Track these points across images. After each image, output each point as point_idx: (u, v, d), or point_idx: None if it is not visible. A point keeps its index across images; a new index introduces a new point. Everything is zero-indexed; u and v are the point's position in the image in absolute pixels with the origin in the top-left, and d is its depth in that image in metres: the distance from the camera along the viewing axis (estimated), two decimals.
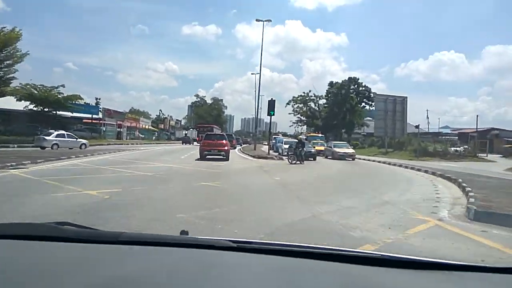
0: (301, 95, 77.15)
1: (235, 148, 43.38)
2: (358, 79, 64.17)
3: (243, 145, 56.46)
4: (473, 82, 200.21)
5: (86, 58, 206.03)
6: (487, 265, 1.21)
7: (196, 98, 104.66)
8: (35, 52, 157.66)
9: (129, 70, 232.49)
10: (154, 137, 74.74)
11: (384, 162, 27.54)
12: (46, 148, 26.27)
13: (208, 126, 60.24)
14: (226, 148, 22.24)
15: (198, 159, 21.43)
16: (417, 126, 37.40)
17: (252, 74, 75.65)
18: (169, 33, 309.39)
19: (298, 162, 22.10)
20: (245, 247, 1.27)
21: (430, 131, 71.59)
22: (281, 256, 1.22)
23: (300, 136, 26.12)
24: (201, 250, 1.24)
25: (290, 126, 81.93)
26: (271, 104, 29.92)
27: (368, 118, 65.21)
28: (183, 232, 1.56)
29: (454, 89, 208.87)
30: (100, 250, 1.25)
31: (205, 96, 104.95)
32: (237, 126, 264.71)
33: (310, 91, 78.73)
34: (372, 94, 62.32)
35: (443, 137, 55.07)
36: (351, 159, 29.78)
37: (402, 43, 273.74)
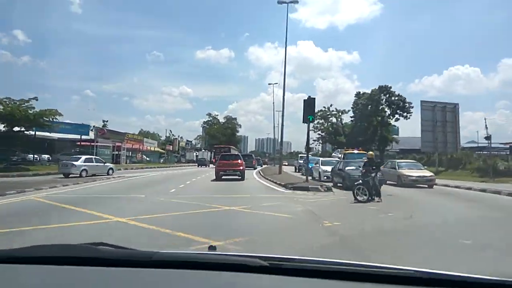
0: (321, 110, 69.47)
1: (255, 168, 39.58)
2: (390, 87, 55.91)
3: (262, 166, 51.74)
4: (490, 96, 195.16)
5: (104, 85, 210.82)
6: None
7: (209, 117, 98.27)
8: (54, 81, 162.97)
9: (145, 95, 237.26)
10: (162, 160, 67.97)
11: (477, 189, 18.12)
12: (71, 175, 22.43)
13: (225, 147, 54.79)
14: (241, 168, 22.10)
15: (213, 180, 21.35)
16: (487, 137, 28.85)
17: (270, 84, 68.48)
18: (183, 58, 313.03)
19: (372, 199, 12.41)
20: (278, 266, 1.24)
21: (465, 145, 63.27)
22: (316, 278, 1.16)
23: (371, 152, 16.44)
24: (233, 274, 1.21)
25: (311, 144, 74.33)
26: (310, 105, 19.25)
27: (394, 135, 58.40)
28: (212, 248, 1.62)
29: (470, 103, 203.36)
30: (132, 275, 1.24)
31: (218, 115, 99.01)
32: (251, 146, 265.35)
33: (331, 105, 71.10)
34: (407, 104, 54.07)
35: (493, 152, 46.77)
36: (426, 186, 19.60)
37: (415, 59, 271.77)
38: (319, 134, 72.28)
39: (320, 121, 70.84)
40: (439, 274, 1.19)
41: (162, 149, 74.23)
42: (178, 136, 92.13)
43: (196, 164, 58.71)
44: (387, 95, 55.63)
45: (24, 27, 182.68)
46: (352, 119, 64.38)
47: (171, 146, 79.23)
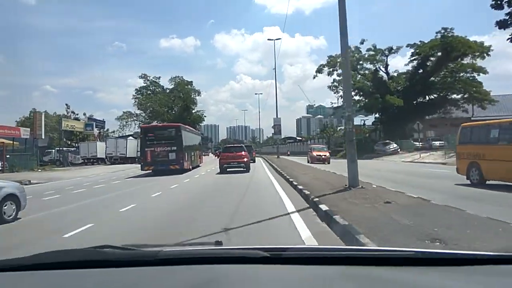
0: (352, 51, 40.09)
1: (254, 161, 28.54)
2: None
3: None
4: None
5: (65, 79, 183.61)
6: None
7: (144, 81, 61.86)
8: (12, 77, 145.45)
9: (109, 88, 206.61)
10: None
11: None
12: None
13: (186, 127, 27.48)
14: (245, 159, 21.54)
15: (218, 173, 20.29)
16: None
17: (269, 40, 43.90)
18: (147, 48, 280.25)
19: None
20: (279, 256, 1.27)
21: None
22: (317, 265, 1.21)
23: None
24: (235, 266, 1.26)
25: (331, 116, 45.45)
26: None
27: None
28: (218, 243, 1.63)
29: None
30: (139, 274, 1.25)
31: (159, 78, 64.27)
32: (223, 135, 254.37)
33: (364, 40, 41.68)
34: None
35: None
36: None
37: (383, 41, 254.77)
38: (342, 96, 43.14)
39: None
40: (437, 253, 1.27)
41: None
42: (70, 111, 56.42)
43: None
44: None
45: None
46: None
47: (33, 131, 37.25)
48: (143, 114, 58.06)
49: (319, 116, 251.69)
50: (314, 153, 29.75)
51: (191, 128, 28.92)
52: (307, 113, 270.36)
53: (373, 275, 1.14)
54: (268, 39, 42.50)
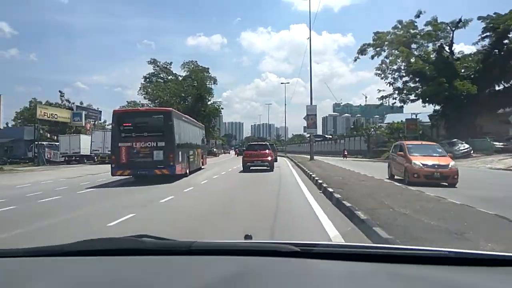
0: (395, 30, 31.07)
1: (276, 160, 24.79)
2: None
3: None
4: None
5: (95, 76, 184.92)
6: None
7: (153, 68, 54.10)
8: (45, 74, 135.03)
9: (138, 86, 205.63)
10: None
11: None
12: None
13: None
14: (270, 158, 20.42)
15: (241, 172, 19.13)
16: None
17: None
18: (175, 46, 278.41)
19: None
20: (309, 251, 1.29)
21: None
22: (348, 261, 1.21)
23: None
24: (266, 258, 1.28)
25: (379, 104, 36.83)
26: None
27: None
28: (247, 237, 1.67)
29: None
30: (174, 262, 1.33)
31: (171, 63, 55.96)
32: (246, 132, 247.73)
33: (421, 12, 32.72)
34: None
35: None
36: None
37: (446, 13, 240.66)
38: (392, 81, 34.38)
39: (397, 53, 32.63)
40: (466, 253, 1.22)
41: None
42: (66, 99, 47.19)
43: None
44: None
45: (9, 19, 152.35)
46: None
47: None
48: (151, 105, 50.57)
49: (346, 114, 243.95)
50: (417, 161, 12.10)
51: (189, 118, 20.87)
52: (333, 112, 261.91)
53: (404, 272, 1.14)
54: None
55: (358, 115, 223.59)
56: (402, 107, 35.45)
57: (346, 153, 42.77)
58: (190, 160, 18.77)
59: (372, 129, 48.75)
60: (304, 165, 20.11)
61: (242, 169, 19.81)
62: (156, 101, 47.52)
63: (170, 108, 16.93)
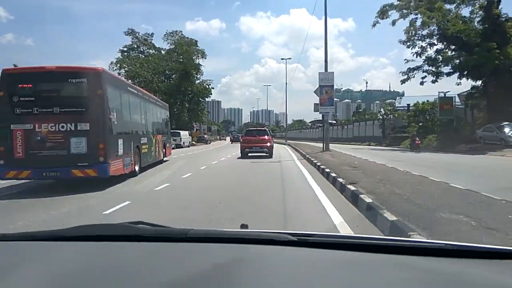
0: None
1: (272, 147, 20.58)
2: None
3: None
4: None
5: (93, 61, 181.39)
6: None
7: (131, 39, 46.18)
8: (42, 59, 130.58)
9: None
10: None
11: None
12: None
13: None
14: (269, 144, 19.68)
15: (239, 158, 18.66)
16: None
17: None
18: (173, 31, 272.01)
19: None
20: (306, 241, 1.28)
21: None
22: (344, 251, 1.21)
23: None
24: (263, 246, 1.28)
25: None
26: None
27: None
28: (243, 226, 1.63)
29: None
30: (170, 248, 1.32)
31: (152, 35, 48.47)
32: (246, 119, 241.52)
33: None
34: None
35: None
36: None
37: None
38: (427, 59, 27.58)
39: (429, 14, 25.56)
40: (463, 246, 1.22)
41: None
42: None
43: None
44: None
45: (5, 3, 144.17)
46: None
47: None
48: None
49: (346, 100, 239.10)
50: None
51: (141, 90, 13.98)
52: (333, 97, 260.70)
53: (398, 262, 1.14)
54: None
55: (359, 100, 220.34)
56: (433, 81, 28.35)
57: (418, 142, 26.50)
58: (143, 152, 12.13)
59: (388, 113, 41.87)
60: (326, 164, 12.19)
61: (228, 163, 17.26)
62: (135, 80, 40.39)
63: (100, 68, 10.02)
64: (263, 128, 24.96)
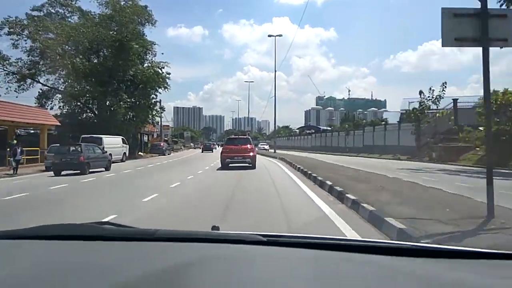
0: None
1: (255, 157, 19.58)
2: None
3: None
4: (463, 71, 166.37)
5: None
6: None
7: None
8: None
9: None
10: None
11: None
12: None
13: None
14: (251, 154, 18.88)
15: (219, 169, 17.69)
16: None
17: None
18: (154, 37, 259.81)
19: None
20: (275, 241, 1.27)
21: None
22: (312, 249, 1.20)
23: None
24: (232, 245, 1.26)
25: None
26: None
27: None
28: (214, 228, 1.60)
29: (444, 78, 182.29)
30: (136, 247, 1.28)
31: None
32: (227, 126, 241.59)
33: None
34: None
35: None
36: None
37: (391, 34, 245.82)
38: None
39: None
40: (444, 248, 1.21)
41: None
42: None
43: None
44: None
45: None
46: None
47: None
48: (26, 60, 28.03)
49: (329, 108, 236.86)
50: None
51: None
52: (316, 105, 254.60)
53: (369, 260, 1.13)
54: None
55: (342, 108, 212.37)
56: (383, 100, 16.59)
57: None
58: None
59: (436, 113, 28.62)
60: None
61: (210, 171, 17.62)
62: (47, 57, 26.06)
63: None
64: (245, 137, 24.97)
